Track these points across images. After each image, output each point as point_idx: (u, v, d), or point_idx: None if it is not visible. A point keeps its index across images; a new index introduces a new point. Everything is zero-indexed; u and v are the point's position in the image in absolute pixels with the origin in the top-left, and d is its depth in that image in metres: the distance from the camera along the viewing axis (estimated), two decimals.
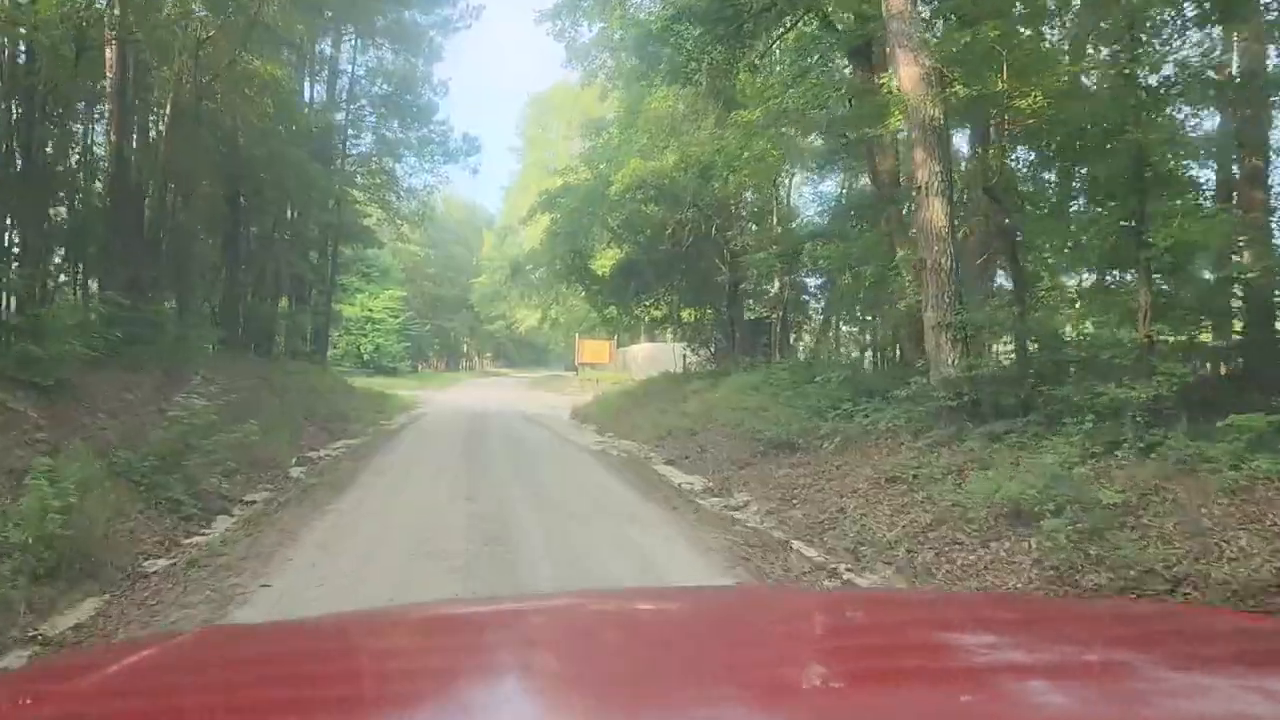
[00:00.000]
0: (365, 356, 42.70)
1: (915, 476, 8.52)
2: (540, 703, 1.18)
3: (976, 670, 1.30)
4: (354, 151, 25.14)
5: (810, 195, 24.34)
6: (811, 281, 23.64)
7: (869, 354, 16.22)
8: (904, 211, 14.59)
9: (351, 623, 1.89)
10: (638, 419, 19.78)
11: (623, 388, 28.57)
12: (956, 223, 10.00)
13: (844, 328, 23.51)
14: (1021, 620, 1.73)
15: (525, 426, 19.33)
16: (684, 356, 27.31)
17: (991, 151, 10.21)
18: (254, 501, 9.01)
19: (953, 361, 9.61)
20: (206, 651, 1.53)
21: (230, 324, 16.83)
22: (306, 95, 22.95)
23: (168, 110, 13.21)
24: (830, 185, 24.10)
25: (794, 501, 9.41)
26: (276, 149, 15.58)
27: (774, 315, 21.45)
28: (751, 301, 23.95)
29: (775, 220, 21.00)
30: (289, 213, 21.19)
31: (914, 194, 10.03)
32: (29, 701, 1.21)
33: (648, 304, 26.08)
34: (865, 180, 24.13)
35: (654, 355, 37.96)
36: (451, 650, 1.48)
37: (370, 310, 43.36)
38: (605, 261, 25.76)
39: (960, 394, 9.25)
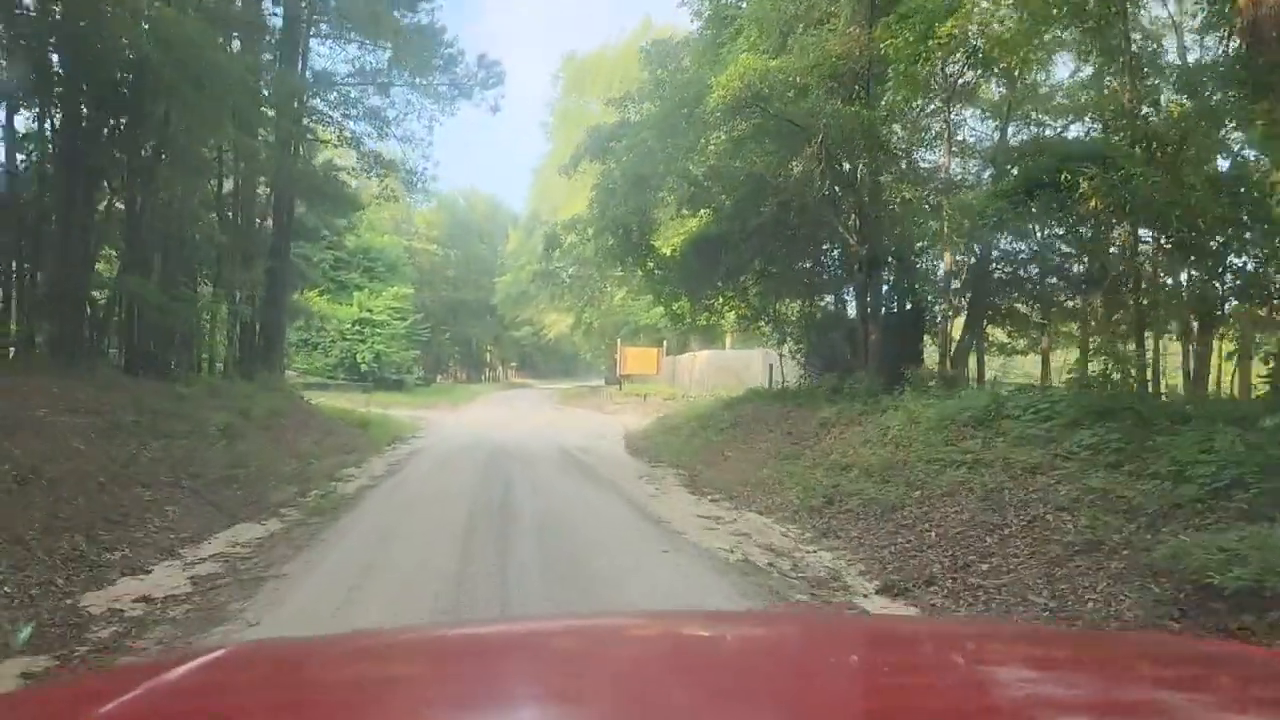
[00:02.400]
0: (364, 366, 34.92)
1: None
2: None
3: (1014, 707, 1.25)
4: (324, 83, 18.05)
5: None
6: (936, 265, 16.35)
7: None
8: None
9: (388, 641, 1.78)
10: (745, 464, 12.75)
11: (690, 408, 21.82)
12: None
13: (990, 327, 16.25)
14: (1065, 656, 1.68)
15: (571, 482, 11.96)
16: (770, 367, 20.49)
17: None
18: None
19: None
20: (236, 672, 1.43)
21: (65, 315, 9.76)
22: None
23: None
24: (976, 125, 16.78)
25: None
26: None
27: (946, 307, 14.09)
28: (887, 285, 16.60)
29: (948, 153, 13.67)
30: (223, 157, 14.18)
31: None
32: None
33: (731, 295, 18.85)
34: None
35: (719, 365, 31.12)
36: (487, 671, 1.42)
37: (369, 310, 35.57)
38: (673, 239, 18.50)
39: None
